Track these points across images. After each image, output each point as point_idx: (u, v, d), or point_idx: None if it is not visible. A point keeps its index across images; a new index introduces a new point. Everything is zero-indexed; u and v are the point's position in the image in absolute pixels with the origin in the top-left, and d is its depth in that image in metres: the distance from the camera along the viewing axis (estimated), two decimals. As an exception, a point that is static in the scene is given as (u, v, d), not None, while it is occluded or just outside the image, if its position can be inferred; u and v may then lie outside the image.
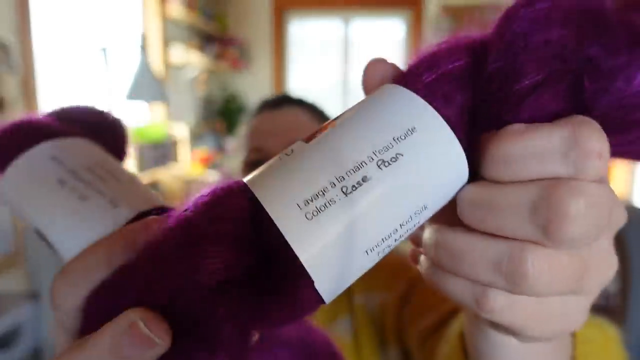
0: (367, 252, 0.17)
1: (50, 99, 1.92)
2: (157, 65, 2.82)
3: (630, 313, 1.04)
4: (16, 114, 1.65)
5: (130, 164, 2.31)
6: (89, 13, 2.29)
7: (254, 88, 4.02)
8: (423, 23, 3.78)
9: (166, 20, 2.99)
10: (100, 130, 0.28)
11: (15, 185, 0.23)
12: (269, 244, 0.17)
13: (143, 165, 2.45)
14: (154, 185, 2.83)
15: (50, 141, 0.24)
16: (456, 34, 0.21)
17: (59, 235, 0.22)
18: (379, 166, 0.17)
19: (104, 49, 1.19)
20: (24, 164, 0.23)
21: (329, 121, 0.20)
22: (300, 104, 0.63)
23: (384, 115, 0.18)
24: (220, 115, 3.99)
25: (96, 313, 0.19)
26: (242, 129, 0.68)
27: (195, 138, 3.45)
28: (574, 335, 0.28)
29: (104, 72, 1.21)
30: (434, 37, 3.71)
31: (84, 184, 0.23)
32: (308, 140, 0.19)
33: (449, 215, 0.20)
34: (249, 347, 0.18)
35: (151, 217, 0.20)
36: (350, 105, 0.20)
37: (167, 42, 2.99)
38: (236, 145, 3.77)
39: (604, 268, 0.19)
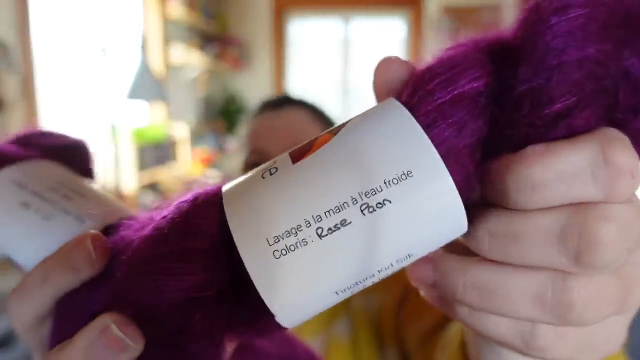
0: (337, 292, 0.16)
1: (50, 98, 1.92)
2: (157, 65, 2.82)
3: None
4: (16, 113, 1.65)
5: (130, 164, 2.31)
6: (89, 13, 2.29)
7: (254, 88, 4.02)
8: (423, 23, 3.78)
9: (166, 20, 2.99)
10: (63, 153, 0.28)
11: None
12: (237, 267, 0.16)
13: (143, 165, 2.45)
14: (154, 185, 2.83)
15: (11, 166, 0.24)
16: (472, 35, 0.18)
17: (27, 259, 0.22)
18: (362, 211, 0.15)
19: (104, 49, 1.19)
20: None
21: (323, 133, 0.18)
22: (302, 104, 0.62)
23: (379, 149, 0.16)
24: (221, 115, 3.99)
25: (67, 321, 0.19)
26: (242, 129, 0.68)
27: (196, 138, 3.45)
28: None
29: (104, 72, 1.21)
30: (434, 38, 3.72)
31: (49, 203, 0.22)
32: (295, 159, 0.17)
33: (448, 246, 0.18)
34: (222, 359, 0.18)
35: (84, 233, 0.20)
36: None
37: (167, 42, 2.98)
38: (236, 146, 3.77)
39: None
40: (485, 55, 0.17)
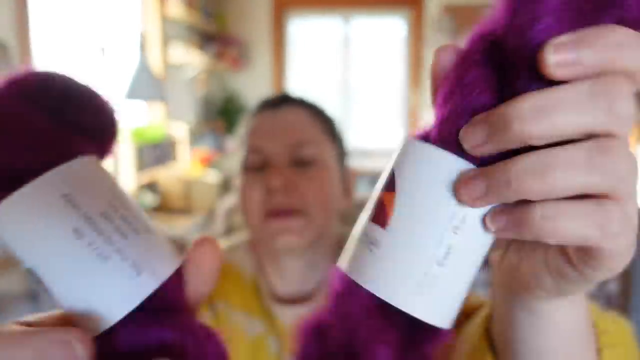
0: (461, 294, 0.22)
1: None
2: (156, 64, 2.81)
3: (633, 314, 1.03)
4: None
5: (129, 163, 2.31)
6: (88, 12, 2.28)
7: (253, 87, 4.01)
8: (423, 22, 3.78)
9: (165, 20, 2.98)
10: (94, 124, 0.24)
11: (15, 224, 0.19)
12: (404, 325, 0.24)
13: (142, 165, 2.44)
14: (153, 185, 2.83)
15: (57, 169, 0.19)
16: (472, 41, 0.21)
17: (66, 297, 0.19)
18: (454, 232, 0.20)
19: (102, 48, 1.18)
20: (28, 198, 0.19)
21: (382, 192, 0.22)
22: (301, 103, 0.62)
23: (442, 185, 0.20)
24: (220, 114, 3.98)
25: None
26: (241, 129, 0.67)
27: (195, 138, 3.45)
28: (596, 327, 0.31)
29: (103, 72, 1.20)
30: (435, 37, 3.71)
31: (103, 237, 0.19)
32: (382, 224, 0.21)
33: None
34: None
35: (72, 335, 0.17)
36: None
37: (166, 41, 2.98)
38: (236, 145, 3.75)
39: None
40: (487, 65, 0.20)
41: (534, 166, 0.17)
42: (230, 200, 1.27)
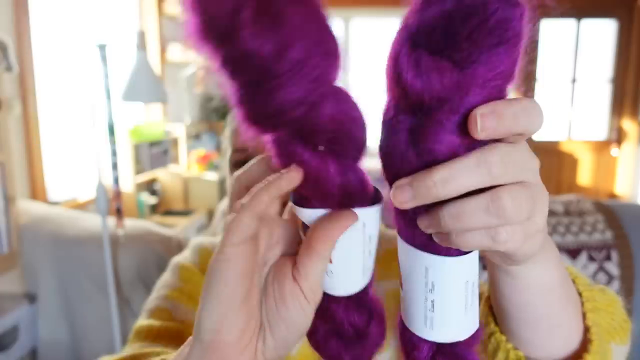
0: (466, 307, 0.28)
1: (47, 97, 1.91)
2: (154, 63, 2.81)
3: (635, 313, 1.03)
4: (13, 112, 1.64)
5: (127, 163, 2.30)
6: (86, 11, 2.28)
7: (253, 87, 4.00)
8: (423, 22, 3.77)
9: (163, 18, 2.98)
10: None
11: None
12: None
13: (140, 165, 2.44)
14: (151, 184, 2.82)
15: (375, 208, 0.29)
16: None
17: (341, 270, 0.29)
18: (432, 306, 0.28)
19: (101, 48, 1.18)
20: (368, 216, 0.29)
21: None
22: None
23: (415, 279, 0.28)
24: (218, 114, 3.98)
25: None
26: (226, 129, 0.67)
27: (193, 137, 3.44)
28: (580, 294, 0.37)
29: (102, 71, 1.19)
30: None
31: (369, 251, 0.30)
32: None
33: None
34: None
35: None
36: None
37: (164, 40, 2.97)
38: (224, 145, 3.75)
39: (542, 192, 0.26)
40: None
41: (454, 214, 0.24)
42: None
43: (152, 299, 0.60)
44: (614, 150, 3.80)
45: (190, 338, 0.29)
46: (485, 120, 0.22)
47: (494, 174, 0.23)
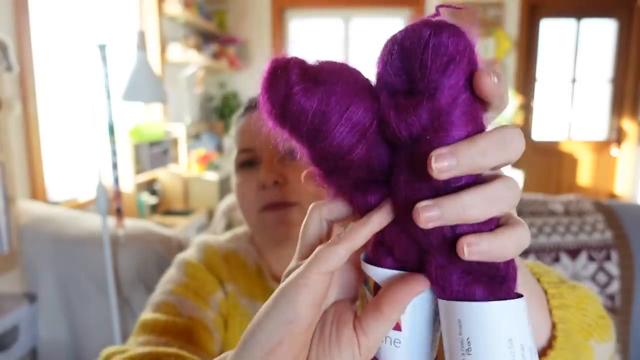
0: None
1: (47, 97, 1.91)
2: (154, 63, 2.81)
3: (635, 312, 1.03)
4: (13, 112, 1.64)
5: (127, 163, 2.30)
6: (87, 11, 2.27)
7: (252, 87, 4.01)
8: (423, 22, 3.77)
9: (164, 18, 2.98)
10: None
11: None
12: None
13: (140, 164, 2.44)
14: (151, 184, 2.82)
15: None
16: None
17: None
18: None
19: (101, 48, 1.18)
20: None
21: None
22: None
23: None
24: (219, 114, 3.98)
25: None
26: (232, 129, 0.67)
27: (193, 137, 3.44)
28: (547, 294, 0.37)
29: (102, 71, 1.19)
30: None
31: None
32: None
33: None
34: None
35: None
36: None
37: (164, 40, 2.97)
38: (228, 145, 3.75)
39: None
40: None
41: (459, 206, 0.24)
42: (229, 199, 1.27)
43: (158, 294, 0.60)
44: (613, 150, 3.80)
45: (228, 353, 0.28)
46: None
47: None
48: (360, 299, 0.30)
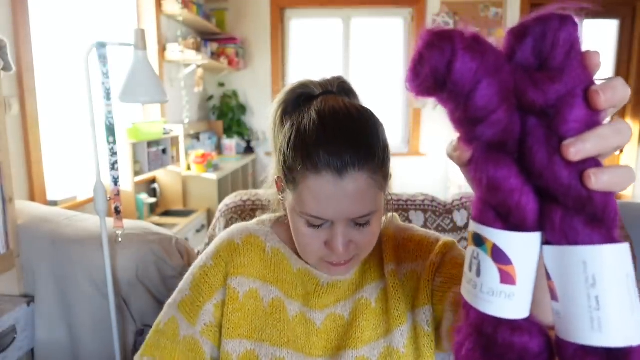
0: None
1: (45, 96, 1.90)
2: (153, 62, 2.80)
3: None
4: (11, 111, 1.63)
5: (126, 162, 2.29)
6: (85, 10, 2.27)
7: (252, 86, 4.00)
8: (424, 21, 3.76)
9: (163, 18, 2.97)
10: None
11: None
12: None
13: (139, 164, 2.43)
14: (150, 184, 2.81)
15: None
16: None
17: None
18: (597, 305, 0.27)
19: (100, 47, 1.17)
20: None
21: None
22: (363, 160, 0.58)
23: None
24: (218, 114, 3.97)
25: None
26: (277, 140, 0.67)
27: (192, 137, 3.43)
28: None
29: (101, 70, 1.19)
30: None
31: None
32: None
33: None
34: None
35: None
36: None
37: (163, 39, 2.96)
38: (233, 145, 3.74)
39: None
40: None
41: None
42: (229, 199, 1.26)
43: (178, 292, 0.71)
44: (614, 151, 3.80)
45: None
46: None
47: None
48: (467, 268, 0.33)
